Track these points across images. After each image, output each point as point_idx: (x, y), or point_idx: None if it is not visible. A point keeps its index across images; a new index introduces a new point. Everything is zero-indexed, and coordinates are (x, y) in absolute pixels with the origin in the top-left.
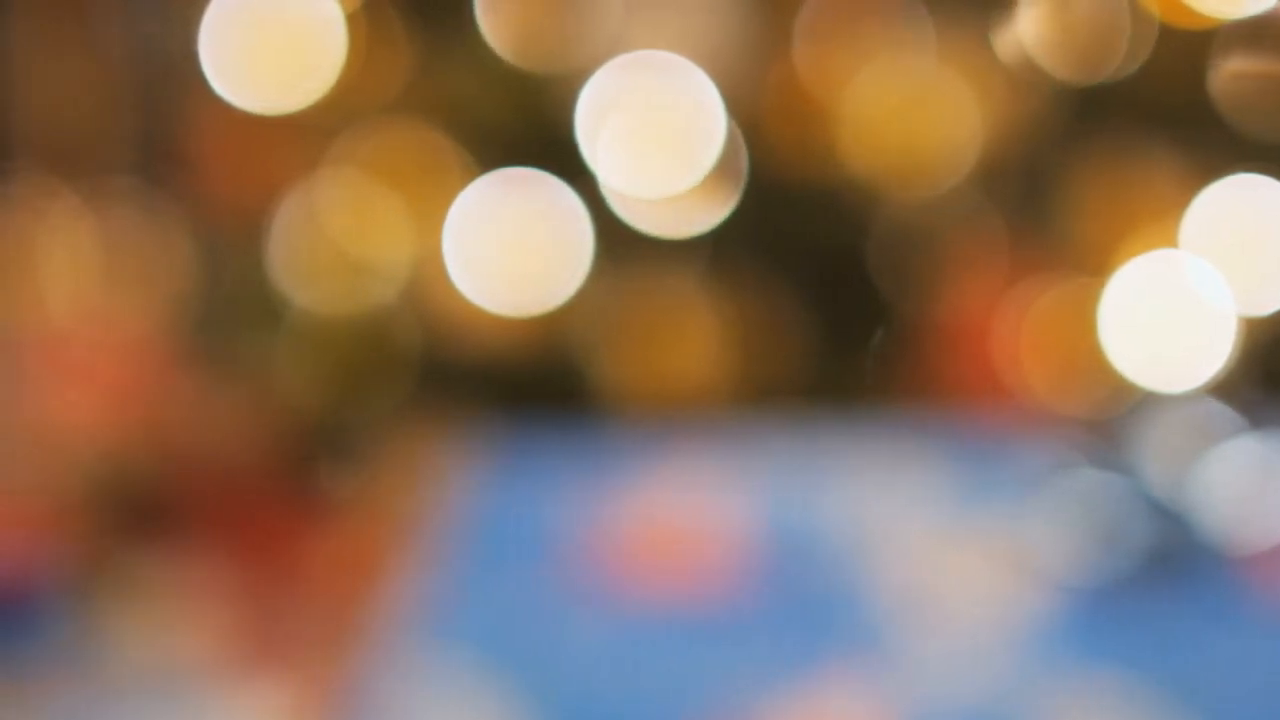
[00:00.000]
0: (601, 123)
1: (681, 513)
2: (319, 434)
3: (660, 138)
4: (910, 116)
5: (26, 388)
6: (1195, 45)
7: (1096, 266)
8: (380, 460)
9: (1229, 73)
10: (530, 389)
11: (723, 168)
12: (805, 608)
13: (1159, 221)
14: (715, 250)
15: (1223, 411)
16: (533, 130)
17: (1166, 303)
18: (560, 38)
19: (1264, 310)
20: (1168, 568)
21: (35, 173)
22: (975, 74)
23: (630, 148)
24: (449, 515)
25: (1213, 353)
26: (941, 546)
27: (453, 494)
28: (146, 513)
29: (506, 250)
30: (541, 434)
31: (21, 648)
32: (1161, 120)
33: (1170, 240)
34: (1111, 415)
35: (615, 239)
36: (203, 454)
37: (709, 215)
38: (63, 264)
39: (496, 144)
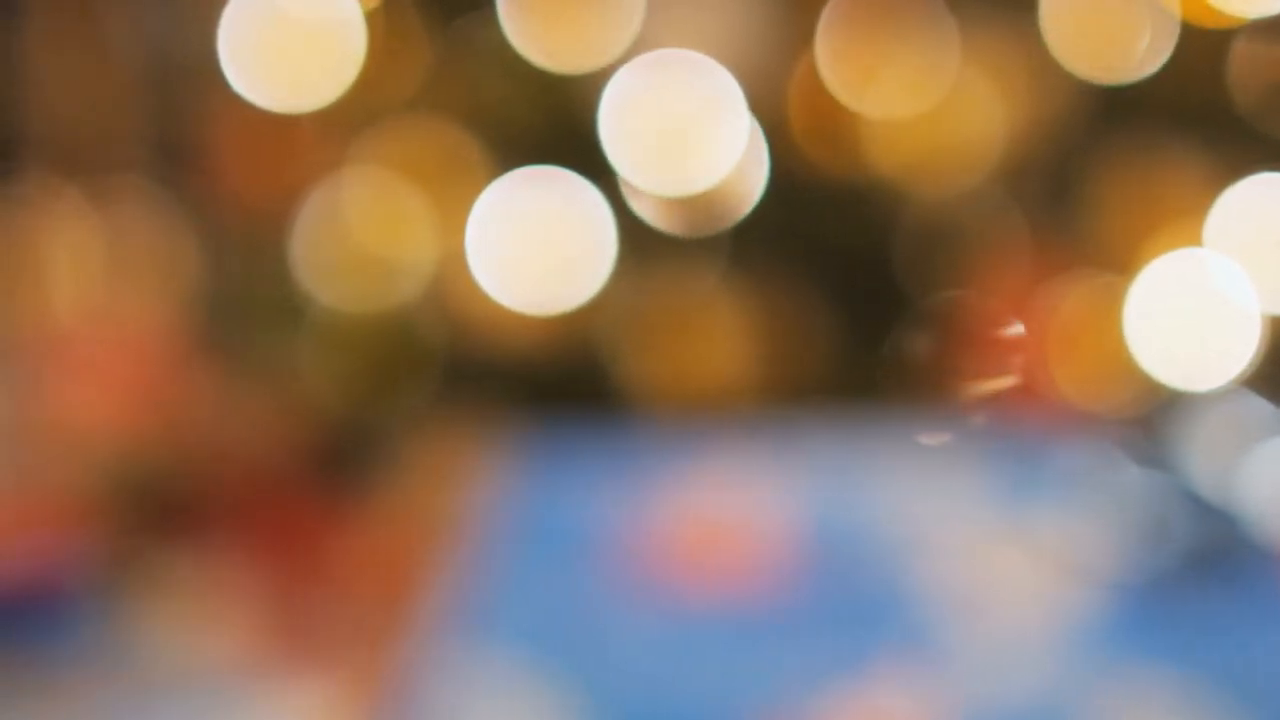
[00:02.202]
0: (624, 120)
1: (725, 510)
2: (344, 432)
3: (683, 136)
4: (934, 115)
5: (45, 388)
6: (1218, 44)
7: (1121, 265)
8: (406, 458)
9: (1252, 72)
10: (554, 387)
11: (746, 165)
12: (853, 606)
13: (1183, 220)
14: (739, 249)
15: (1265, 408)
16: (556, 128)
17: (1191, 301)
18: (583, 35)
19: None
20: (1212, 564)
21: (52, 172)
22: (999, 72)
23: (653, 146)
24: (488, 514)
25: (1238, 351)
26: (986, 544)
27: (490, 492)
28: (172, 511)
29: (530, 248)
30: (572, 432)
31: (52, 647)
32: (1185, 119)
33: (1195, 239)
34: (1137, 413)
35: (639, 237)
36: (227, 453)
37: (732, 213)
38: (79, 264)
39: (519, 142)
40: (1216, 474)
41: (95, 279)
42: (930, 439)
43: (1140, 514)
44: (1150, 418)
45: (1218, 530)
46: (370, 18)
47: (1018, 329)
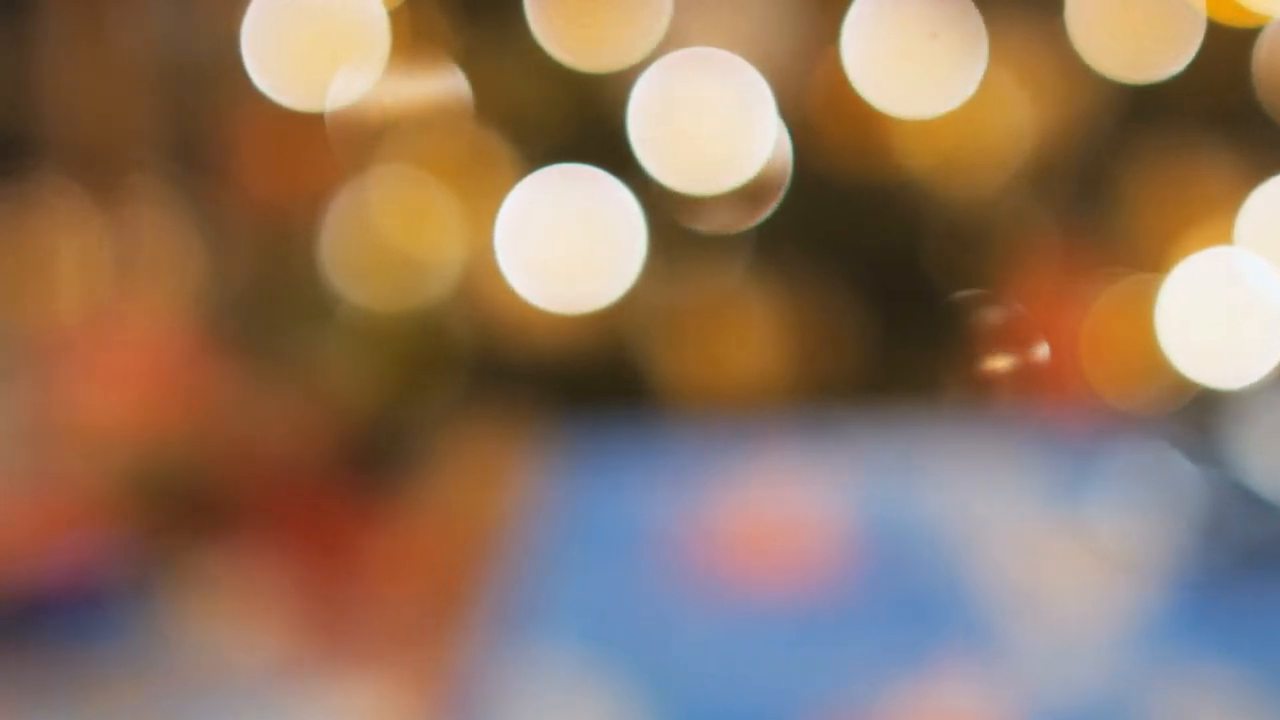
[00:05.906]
0: (653, 118)
1: (777, 507)
2: (374, 432)
3: (712, 134)
4: (962, 114)
5: (76, 388)
6: (1246, 42)
7: (1151, 264)
8: (437, 458)
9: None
10: (584, 386)
11: (774, 163)
12: (910, 603)
13: (1213, 219)
14: (768, 247)
15: None
16: (584, 126)
17: (1222, 299)
18: (611, 33)
19: None
20: (1267, 560)
21: (67, 172)
22: (1027, 71)
23: (682, 143)
24: (534, 512)
25: (1270, 348)
26: (1041, 541)
27: (535, 490)
28: (210, 511)
29: (559, 247)
30: (610, 430)
31: (92, 647)
32: (1214, 117)
33: (1225, 237)
34: (1174, 410)
35: (668, 235)
36: (262, 452)
37: (762, 211)
38: (100, 264)
39: (548, 140)
40: (1271, 470)
41: (118, 280)
42: (972, 435)
43: (1195, 510)
44: (1198, 415)
45: (1273, 526)
46: (395, 15)
47: (1048, 328)
